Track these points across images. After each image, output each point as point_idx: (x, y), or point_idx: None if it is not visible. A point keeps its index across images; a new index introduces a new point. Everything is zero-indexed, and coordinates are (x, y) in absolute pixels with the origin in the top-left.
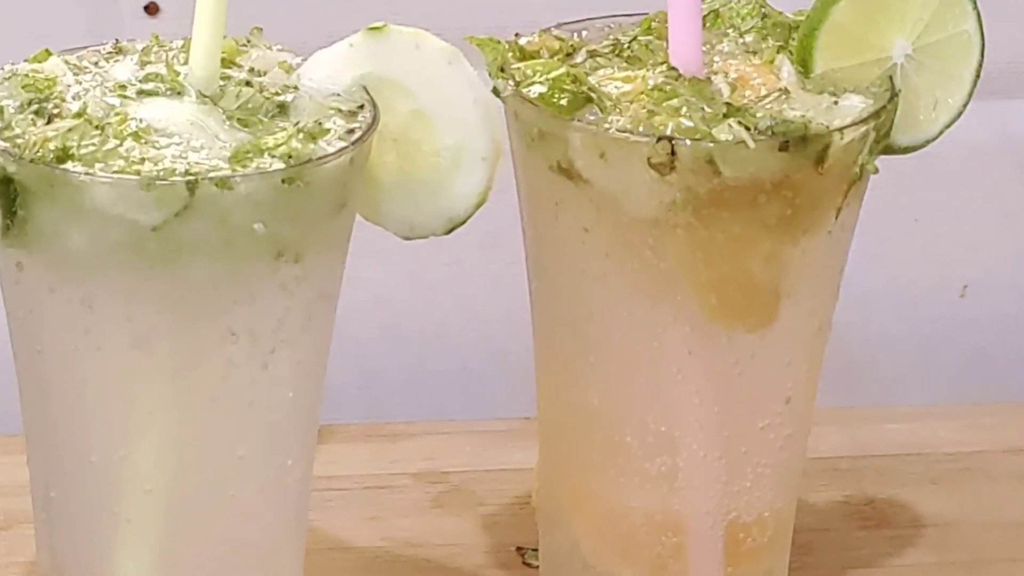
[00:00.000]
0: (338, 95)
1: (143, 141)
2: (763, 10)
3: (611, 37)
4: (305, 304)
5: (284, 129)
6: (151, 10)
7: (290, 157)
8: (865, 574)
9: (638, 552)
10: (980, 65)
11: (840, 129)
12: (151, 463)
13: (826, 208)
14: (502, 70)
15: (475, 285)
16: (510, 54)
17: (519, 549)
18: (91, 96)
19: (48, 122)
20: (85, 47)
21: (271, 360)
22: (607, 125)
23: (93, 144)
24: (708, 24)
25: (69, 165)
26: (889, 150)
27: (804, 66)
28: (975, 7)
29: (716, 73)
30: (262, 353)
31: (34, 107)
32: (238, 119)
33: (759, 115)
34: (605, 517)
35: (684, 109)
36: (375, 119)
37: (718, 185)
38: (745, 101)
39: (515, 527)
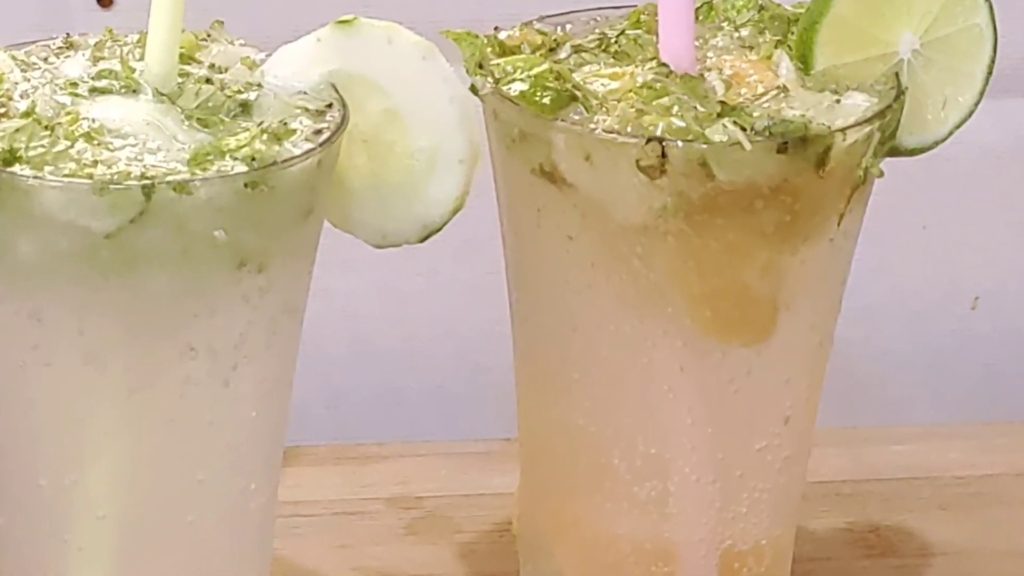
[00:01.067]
0: (305, 93)
1: (96, 142)
2: (760, 2)
3: (597, 31)
4: (269, 317)
5: (247, 130)
6: (104, 2)
7: (253, 159)
8: None
9: None
10: (992, 61)
11: (843, 130)
12: (104, 488)
13: (827, 214)
14: (480, 66)
15: (451, 297)
16: (489, 49)
17: None
18: (40, 94)
19: None
20: (34, 42)
21: (233, 377)
22: (593, 125)
23: (42, 146)
24: (701, 17)
25: (16, 168)
26: (895, 152)
27: (804, 62)
28: None
29: (710, 70)
30: (223, 370)
31: None
32: (197, 119)
33: (756, 115)
34: (590, 545)
35: (675, 108)
36: (344, 119)
37: (712, 189)
38: (741, 100)
39: (494, 556)
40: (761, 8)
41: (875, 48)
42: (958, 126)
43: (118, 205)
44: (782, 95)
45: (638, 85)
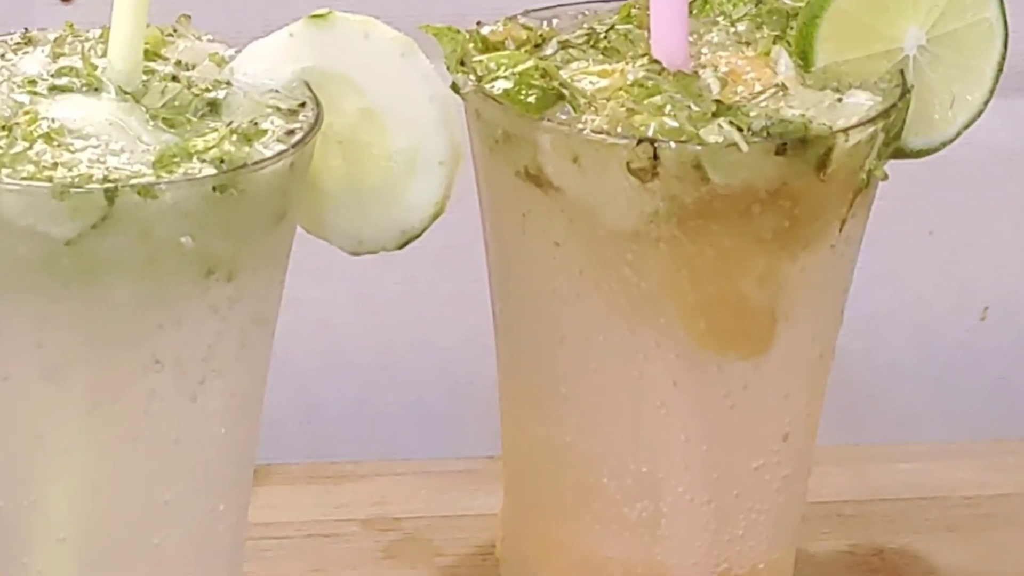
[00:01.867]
0: (276, 91)
1: (56, 144)
2: None
3: (585, 26)
4: (239, 328)
5: (215, 130)
6: None
7: (222, 162)
8: None
9: None
10: (1003, 57)
11: (844, 130)
12: (64, 509)
13: (829, 220)
14: (462, 63)
15: (431, 307)
16: (471, 45)
17: None
18: None
19: None
20: None
21: (200, 392)
22: (581, 125)
23: None
24: (695, 11)
25: None
26: (900, 154)
27: (804, 59)
28: None
29: (704, 67)
30: (190, 384)
31: None
32: (163, 119)
33: (753, 114)
34: (578, 569)
35: (668, 107)
36: (318, 119)
37: (706, 193)
38: (737, 98)
39: None
40: (758, 2)
41: (879, 44)
42: (966, 126)
43: (79, 210)
44: (781, 93)
45: (629, 83)
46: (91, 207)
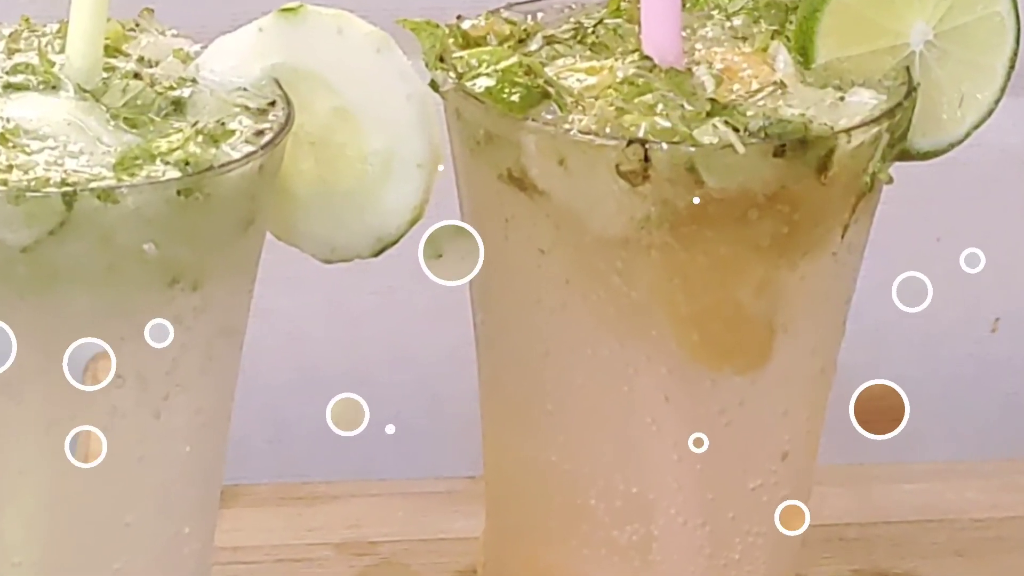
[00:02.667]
0: (245, 90)
1: (11, 145)
2: None
3: (572, 20)
4: (205, 341)
5: (180, 130)
6: None
7: (187, 164)
8: None
9: None
10: (1015, 54)
11: (847, 130)
12: (20, 532)
13: (830, 226)
14: (441, 60)
15: (408, 319)
16: (451, 40)
17: None
18: None
19: None
20: None
21: (164, 408)
22: (567, 126)
23: None
24: (688, 5)
25: None
26: (906, 156)
27: (804, 55)
28: None
29: (698, 63)
30: (154, 400)
31: None
32: (124, 118)
33: (750, 113)
34: None
35: (660, 106)
36: (289, 119)
37: (701, 197)
38: (733, 97)
39: None
40: None
41: (883, 39)
42: (976, 126)
43: (36, 215)
44: (779, 92)
45: (618, 81)
46: (48, 212)
